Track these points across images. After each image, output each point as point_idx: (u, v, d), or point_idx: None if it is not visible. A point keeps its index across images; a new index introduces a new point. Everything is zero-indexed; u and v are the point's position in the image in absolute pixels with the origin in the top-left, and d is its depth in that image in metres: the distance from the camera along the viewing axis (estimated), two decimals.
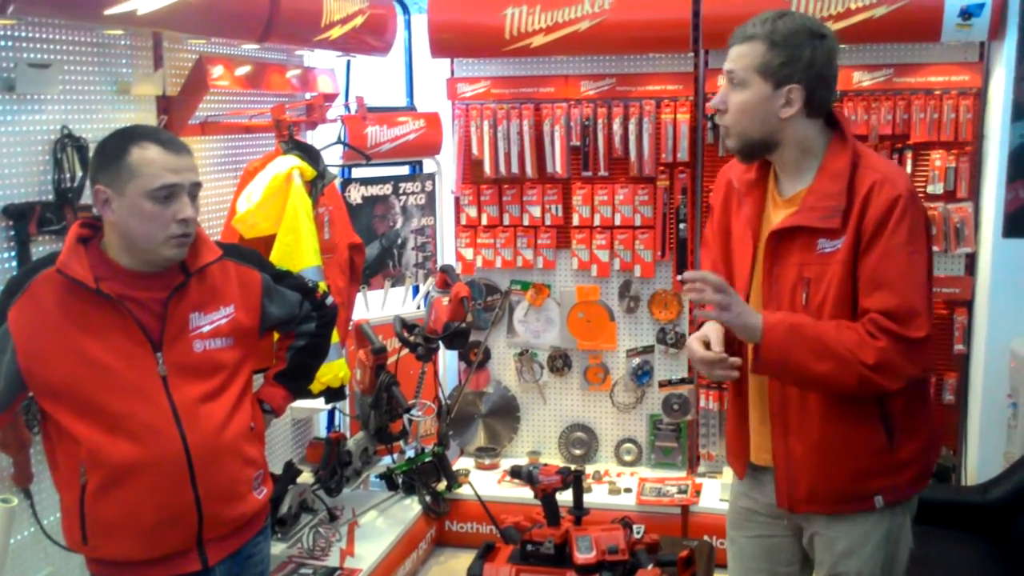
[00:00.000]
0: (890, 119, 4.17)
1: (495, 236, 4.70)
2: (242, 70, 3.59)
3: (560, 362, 4.80)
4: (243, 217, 3.38)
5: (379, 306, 4.67)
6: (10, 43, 2.66)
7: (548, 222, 4.65)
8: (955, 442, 4.33)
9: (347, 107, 4.47)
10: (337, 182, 4.04)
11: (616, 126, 4.45)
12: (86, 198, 2.45)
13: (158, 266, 2.22)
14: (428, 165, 4.88)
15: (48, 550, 2.73)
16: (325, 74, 4.34)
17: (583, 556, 3.59)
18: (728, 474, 4.49)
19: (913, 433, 2.30)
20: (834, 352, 2.12)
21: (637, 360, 4.68)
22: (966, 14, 3.90)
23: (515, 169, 4.58)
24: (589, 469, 4.67)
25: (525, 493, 4.06)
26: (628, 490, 4.46)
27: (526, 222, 4.67)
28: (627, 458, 4.79)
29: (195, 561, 2.27)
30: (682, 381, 4.60)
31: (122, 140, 2.16)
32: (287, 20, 3.45)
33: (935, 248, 4.17)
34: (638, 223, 4.53)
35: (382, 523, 4.20)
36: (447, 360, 5.02)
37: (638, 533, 3.88)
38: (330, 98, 4.30)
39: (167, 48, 3.34)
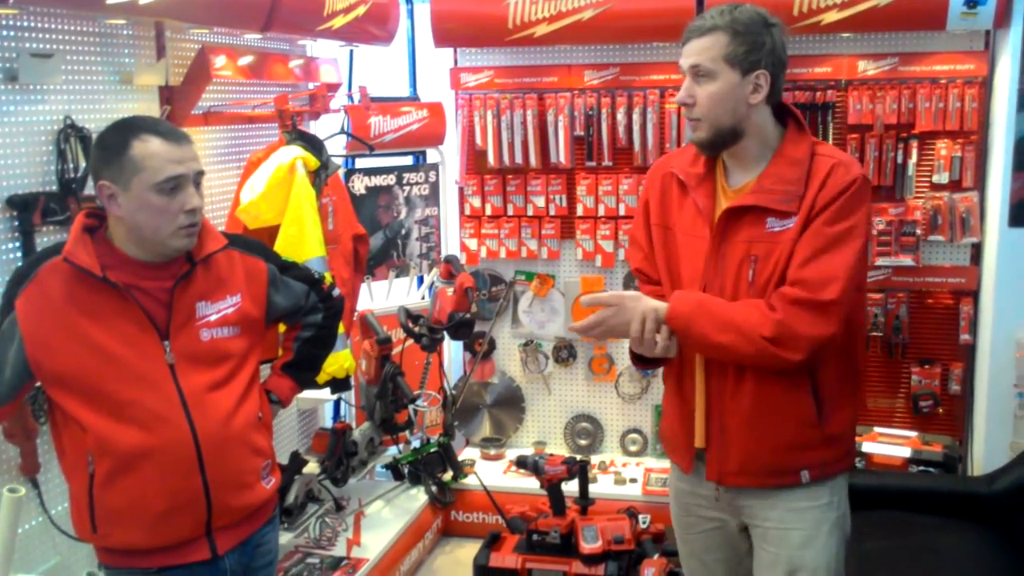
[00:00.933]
0: (895, 108, 4.15)
1: (499, 226, 4.69)
2: (245, 60, 3.58)
3: (565, 352, 4.79)
4: (247, 208, 3.37)
5: (384, 297, 4.67)
6: (12, 33, 2.65)
7: (552, 212, 4.64)
8: (961, 432, 4.32)
9: (350, 97, 4.46)
10: (341, 172, 4.03)
11: (620, 116, 4.44)
12: (90, 188, 2.44)
13: (166, 256, 2.22)
14: (432, 155, 4.87)
15: (56, 539, 2.73)
16: (328, 64, 4.33)
17: (589, 546, 3.60)
18: None
19: (840, 408, 2.33)
20: (735, 325, 2.19)
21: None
22: (971, 2, 3.88)
23: (519, 159, 4.57)
24: (594, 459, 4.67)
25: (531, 483, 4.07)
26: (634, 480, 4.47)
27: (530, 212, 4.67)
28: (632, 448, 4.79)
29: (204, 549, 2.27)
30: None
31: (122, 134, 2.15)
32: (290, 9, 3.44)
33: (940, 237, 4.18)
34: None
35: (388, 513, 4.21)
36: (452, 350, 5.02)
37: (644, 523, 3.90)
38: (333, 88, 4.29)
39: (169, 38, 3.33)
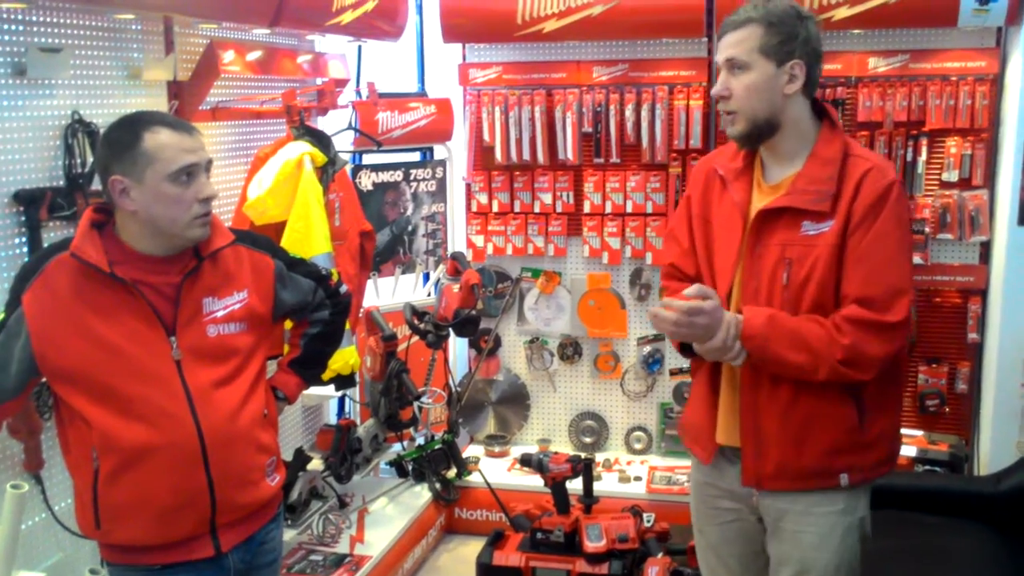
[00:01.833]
0: (905, 105, 4.13)
1: (506, 223, 4.68)
2: (253, 55, 3.57)
3: (570, 350, 4.78)
4: (254, 203, 3.37)
5: (389, 293, 4.66)
6: (21, 27, 2.64)
7: (559, 209, 4.63)
8: (968, 432, 4.31)
9: (358, 93, 4.46)
10: (348, 168, 4.03)
11: (628, 112, 4.42)
12: (96, 184, 2.44)
13: (179, 248, 2.22)
14: (439, 151, 4.86)
15: (59, 536, 2.73)
16: (336, 59, 4.32)
17: (593, 544, 3.59)
18: None
19: (882, 413, 2.34)
20: (809, 345, 2.21)
21: (648, 348, 4.66)
22: None
23: (526, 156, 4.56)
24: (599, 457, 4.65)
25: (535, 481, 4.06)
26: (638, 478, 4.45)
27: (537, 209, 4.65)
28: (637, 446, 4.77)
29: (208, 546, 2.27)
30: None
31: (132, 127, 2.15)
32: (298, 5, 3.43)
33: (949, 236, 4.16)
34: (650, 210, 4.50)
35: (392, 510, 4.21)
36: (457, 347, 5.01)
37: (648, 521, 3.89)
38: (341, 84, 4.28)
39: (178, 33, 3.33)
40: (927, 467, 3.99)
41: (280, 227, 3.38)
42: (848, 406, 2.29)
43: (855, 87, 4.19)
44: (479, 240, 4.73)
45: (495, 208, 4.69)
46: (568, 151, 4.50)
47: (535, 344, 4.81)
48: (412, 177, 4.67)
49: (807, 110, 2.33)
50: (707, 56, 4.36)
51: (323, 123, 4.18)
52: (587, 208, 4.58)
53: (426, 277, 4.91)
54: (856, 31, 4.13)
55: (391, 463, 4.51)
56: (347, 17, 3.82)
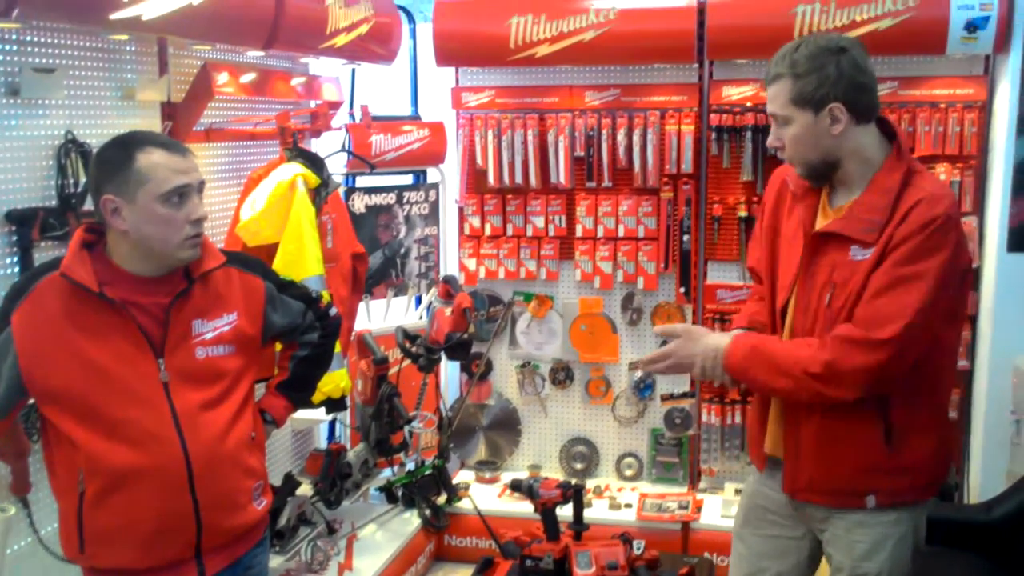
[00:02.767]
0: None
1: (498, 246, 4.68)
2: (247, 77, 3.58)
3: (562, 374, 4.77)
4: (246, 225, 3.36)
5: (381, 316, 4.65)
6: (15, 47, 2.64)
7: (551, 233, 4.63)
8: (959, 459, 4.30)
9: (352, 115, 4.46)
10: (341, 191, 4.02)
11: (620, 137, 4.43)
12: (89, 204, 2.43)
13: (170, 269, 2.22)
14: (432, 174, 4.86)
15: (45, 561, 2.69)
16: (330, 82, 4.33)
17: (582, 572, 3.55)
18: (730, 490, 4.46)
19: (917, 439, 2.35)
20: (786, 370, 2.29)
21: (639, 373, 4.65)
22: (971, 27, 3.89)
23: (519, 179, 4.56)
24: (590, 483, 4.63)
25: (525, 507, 4.03)
26: (628, 505, 4.43)
27: (529, 233, 4.66)
28: (628, 473, 4.76)
29: (193, 570, 2.26)
30: (684, 395, 4.57)
31: (125, 148, 2.16)
32: (292, 27, 3.44)
33: None
34: (642, 234, 4.51)
35: (381, 537, 4.17)
36: (449, 371, 4.99)
37: (638, 549, 3.85)
38: (335, 106, 4.29)
39: (172, 54, 3.33)
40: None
41: (273, 249, 3.37)
42: (875, 426, 2.32)
43: None
44: (471, 263, 4.73)
45: (488, 231, 4.69)
46: (560, 175, 4.51)
47: (527, 368, 4.79)
48: (405, 200, 4.67)
49: (871, 136, 2.33)
50: (698, 82, 4.38)
51: (316, 145, 4.19)
52: (579, 232, 4.59)
53: (418, 300, 4.90)
54: None
55: (381, 489, 4.48)
56: (341, 40, 3.83)
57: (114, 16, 2.53)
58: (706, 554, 3.92)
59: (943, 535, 3.37)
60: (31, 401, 2.20)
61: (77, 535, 2.18)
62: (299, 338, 2.63)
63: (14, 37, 2.64)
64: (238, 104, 3.80)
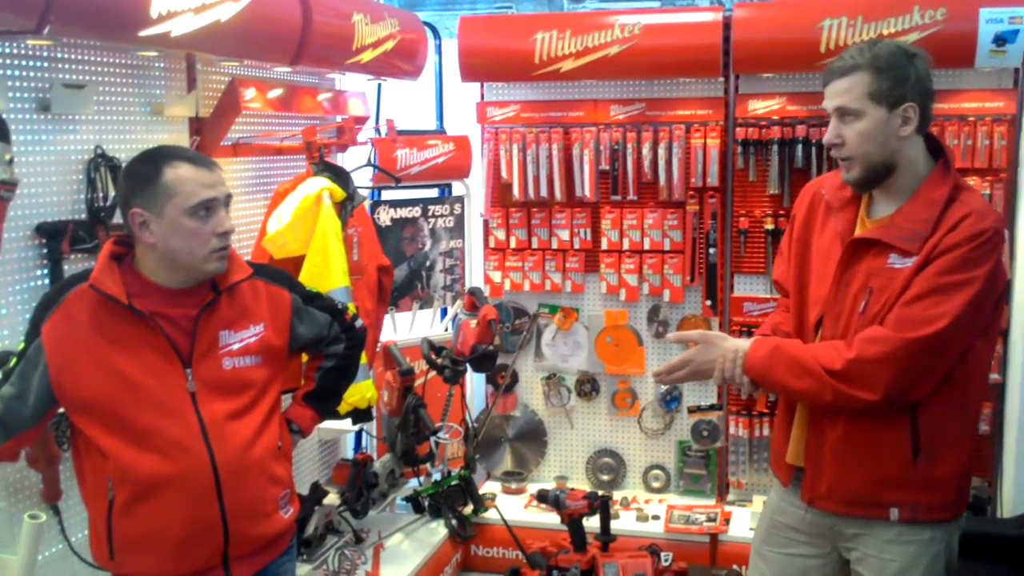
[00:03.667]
0: None
1: (523, 259, 4.70)
2: (274, 93, 3.62)
3: (588, 386, 4.77)
4: (273, 238, 3.40)
5: (407, 328, 4.67)
6: (46, 64, 2.70)
7: (577, 246, 4.64)
8: (990, 473, 4.25)
9: (377, 130, 4.50)
10: (367, 204, 4.06)
11: (645, 150, 4.44)
12: (118, 217, 2.47)
13: (197, 281, 2.25)
14: (457, 188, 4.89)
15: (75, 567, 2.73)
16: (356, 97, 4.37)
17: None
18: (758, 502, 4.44)
19: (945, 455, 2.31)
20: (809, 369, 2.25)
21: (665, 386, 4.64)
22: (1000, 40, 3.86)
23: (544, 193, 4.58)
24: (616, 495, 4.62)
25: (552, 518, 4.04)
26: (656, 517, 4.42)
27: (555, 245, 4.67)
28: (655, 484, 4.74)
29: None
30: (711, 407, 4.48)
31: (153, 162, 2.19)
32: (319, 44, 3.48)
33: None
34: (667, 247, 4.51)
35: (408, 546, 4.18)
36: (474, 383, 5.01)
37: (666, 561, 3.85)
38: (361, 121, 4.32)
39: (200, 70, 3.38)
40: None
41: (299, 261, 3.40)
42: (902, 437, 2.29)
43: None
44: (497, 276, 4.75)
45: (513, 244, 4.71)
46: (585, 188, 4.52)
47: (552, 380, 4.80)
48: (430, 213, 4.70)
49: (922, 149, 2.32)
50: (723, 95, 4.38)
51: (343, 159, 4.22)
52: (604, 245, 4.60)
53: (443, 312, 4.92)
54: None
55: (407, 499, 4.49)
56: (367, 56, 3.87)
57: (143, 33, 2.57)
58: (734, 566, 3.91)
59: (976, 549, 3.35)
60: (61, 410, 2.24)
61: (107, 542, 2.21)
62: (325, 349, 2.65)
63: (45, 54, 2.69)
64: (265, 119, 3.84)
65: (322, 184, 3.51)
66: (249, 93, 3.41)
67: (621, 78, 4.45)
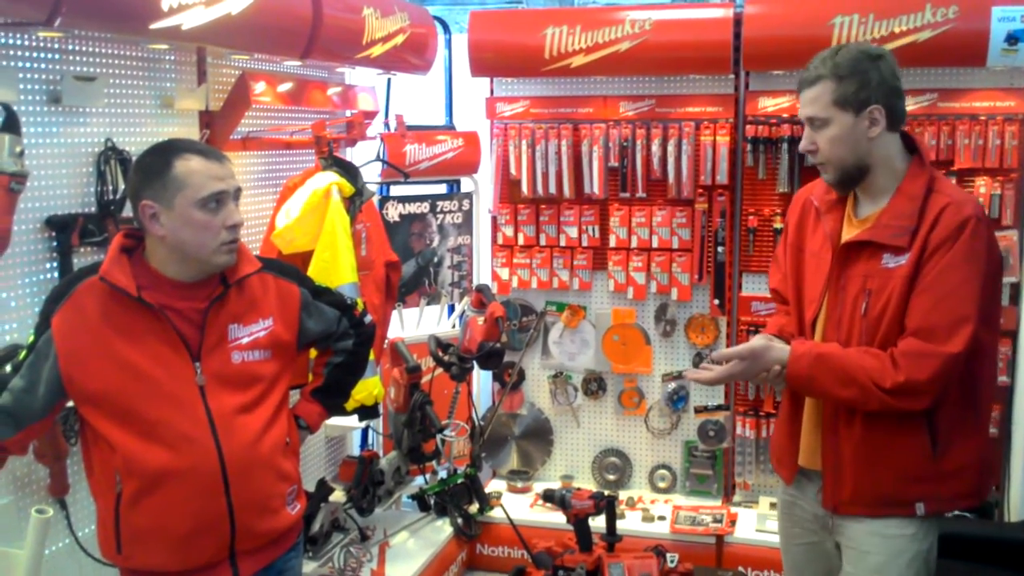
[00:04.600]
0: (934, 144, 4.11)
1: (531, 256, 4.69)
2: (284, 86, 3.61)
3: (595, 385, 4.76)
4: (281, 232, 3.39)
5: (414, 324, 4.66)
6: (57, 56, 2.69)
7: (585, 243, 4.63)
8: (998, 477, 4.23)
9: (387, 125, 4.49)
10: (375, 199, 4.05)
11: (655, 147, 4.43)
12: (128, 210, 2.47)
13: (206, 274, 2.24)
14: (466, 184, 4.88)
15: (82, 562, 2.72)
16: (366, 92, 4.36)
17: None
18: (764, 503, 4.42)
19: (963, 441, 2.37)
20: (855, 379, 2.29)
21: (672, 385, 4.63)
22: (1012, 39, 3.84)
23: (552, 189, 4.57)
24: (622, 495, 4.61)
25: (558, 518, 4.03)
26: (662, 518, 4.41)
27: (563, 243, 4.65)
28: (661, 485, 4.73)
29: (227, 573, 2.28)
30: (718, 407, 4.54)
31: (163, 154, 2.19)
32: (329, 38, 3.47)
33: None
34: (676, 245, 4.50)
35: (413, 544, 4.18)
36: (481, 380, 4.99)
37: (672, 562, 3.84)
38: (370, 115, 4.31)
39: (211, 63, 3.37)
40: (957, 512, 3.91)
41: (307, 256, 3.39)
42: (921, 433, 2.34)
43: None
44: (504, 273, 4.73)
45: (521, 241, 4.70)
46: (594, 185, 4.51)
47: (559, 378, 4.79)
48: (438, 209, 4.69)
49: (897, 145, 2.41)
50: (733, 92, 4.37)
51: (352, 154, 4.21)
52: (613, 242, 4.58)
53: (451, 309, 4.91)
54: None
55: (413, 496, 4.48)
56: (377, 50, 3.86)
57: (154, 26, 2.56)
58: (740, 568, 3.90)
59: (983, 553, 3.34)
60: (69, 404, 2.23)
61: (114, 536, 2.20)
62: (334, 345, 2.64)
63: (56, 46, 2.68)
64: (275, 113, 3.83)
65: (331, 179, 3.49)
66: (259, 87, 3.40)
67: (631, 74, 4.44)
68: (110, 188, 2.83)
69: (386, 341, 4.15)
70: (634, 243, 4.55)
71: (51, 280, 2.66)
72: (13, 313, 2.57)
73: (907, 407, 2.29)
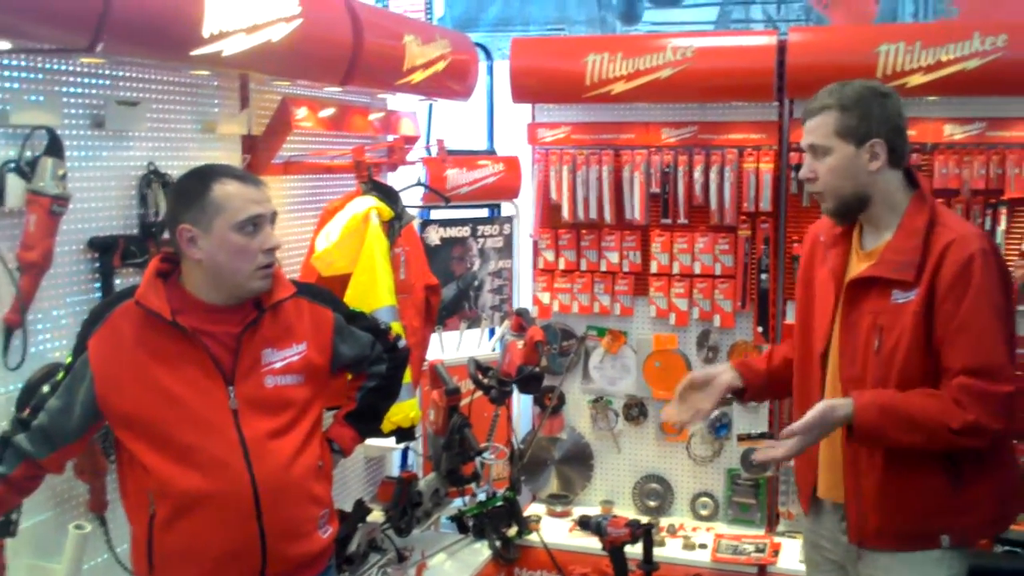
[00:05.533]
0: (983, 173, 4.02)
1: (572, 281, 4.68)
2: (325, 112, 3.65)
3: (636, 411, 4.72)
4: (321, 255, 3.43)
5: (454, 347, 4.67)
6: (101, 81, 2.75)
7: (626, 268, 4.61)
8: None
9: (428, 149, 4.52)
10: (416, 223, 4.07)
11: (697, 174, 4.40)
12: (166, 234, 2.51)
13: (241, 299, 2.27)
14: (506, 208, 4.89)
15: None
16: (407, 117, 4.39)
17: None
18: None
19: (982, 472, 2.39)
20: (922, 425, 2.30)
21: (715, 412, 4.57)
22: None
23: (593, 215, 4.56)
24: (663, 522, 4.55)
25: (596, 543, 3.96)
26: (703, 546, 4.34)
27: (604, 268, 4.64)
28: (703, 512, 4.67)
29: None
30: (761, 435, 4.41)
31: (201, 179, 2.23)
32: (369, 64, 3.50)
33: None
34: (718, 272, 4.46)
35: (451, 566, 4.17)
36: (521, 404, 4.98)
37: None
38: (411, 140, 4.35)
39: (253, 89, 3.42)
40: (1007, 548, 3.82)
41: (346, 279, 3.43)
42: (941, 465, 2.36)
43: (931, 154, 4.09)
44: (545, 297, 4.73)
45: (561, 266, 4.69)
46: (635, 211, 4.49)
47: (599, 403, 4.76)
48: (479, 233, 4.71)
49: (898, 181, 2.45)
50: (777, 120, 4.32)
51: (393, 178, 4.25)
52: (654, 268, 4.55)
53: (491, 332, 4.92)
54: (931, 98, 4.05)
55: (452, 518, 4.47)
56: (418, 77, 3.89)
57: (195, 52, 2.61)
58: None
59: None
60: (105, 424, 2.27)
61: (146, 557, 2.23)
62: (368, 369, 2.66)
63: (100, 71, 2.74)
64: (316, 138, 3.87)
65: (370, 203, 3.53)
66: (301, 112, 3.44)
67: (673, 101, 4.42)
68: (152, 211, 2.88)
69: (425, 363, 4.16)
70: (676, 269, 4.51)
71: (93, 300, 2.70)
72: (56, 332, 2.62)
73: (971, 445, 2.30)
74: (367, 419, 2.73)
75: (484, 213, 4.88)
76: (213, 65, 2.82)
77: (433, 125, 4.79)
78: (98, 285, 2.75)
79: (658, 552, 3.79)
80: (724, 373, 2.77)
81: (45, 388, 2.25)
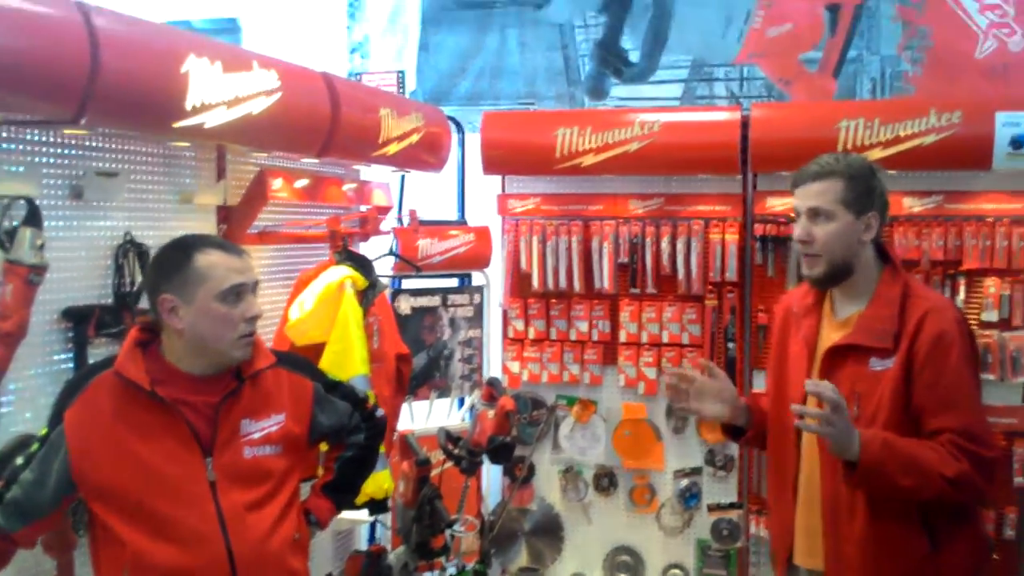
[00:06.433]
0: (942, 244, 4.13)
1: (542, 350, 4.70)
2: (300, 183, 3.68)
3: (606, 481, 4.71)
4: (295, 325, 3.42)
5: (424, 417, 4.65)
6: (80, 152, 2.75)
7: (595, 338, 4.64)
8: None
9: (400, 219, 4.55)
10: (388, 292, 4.08)
11: (664, 244, 4.47)
12: (145, 302, 2.50)
13: (222, 368, 2.26)
14: (477, 278, 4.92)
15: None
16: (380, 188, 4.43)
17: None
18: None
19: (957, 538, 2.42)
20: (919, 469, 2.32)
21: (685, 482, 4.58)
22: (1017, 143, 3.90)
23: (563, 284, 4.61)
24: None
25: None
26: None
27: (573, 337, 4.67)
28: None
29: None
30: (731, 506, 4.49)
31: (184, 249, 2.23)
32: (346, 137, 3.55)
33: (991, 376, 4.07)
34: (686, 341, 4.50)
35: None
36: (491, 474, 4.95)
37: None
38: (384, 211, 4.38)
39: (230, 160, 3.44)
40: None
41: (320, 348, 3.41)
42: (921, 534, 2.39)
43: (890, 226, 4.18)
44: (515, 366, 4.74)
45: (531, 335, 4.72)
46: (604, 281, 4.55)
47: (570, 473, 4.75)
48: (450, 302, 4.72)
49: (873, 253, 2.54)
50: (741, 192, 4.42)
51: (365, 248, 4.26)
52: (623, 337, 4.59)
53: (460, 402, 4.90)
54: (891, 172, 4.14)
55: None
56: (393, 149, 3.94)
57: (178, 124, 2.63)
58: None
59: None
60: (78, 497, 2.23)
61: None
62: (345, 439, 2.64)
63: (79, 142, 2.75)
64: (291, 208, 3.89)
65: (344, 272, 3.53)
66: (276, 183, 3.46)
67: (641, 173, 4.50)
68: (127, 280, 2.87)
69: (396, 434, 4.13)
70: (644, 338, 4.56)
71: (66, 371, 2.67)
72: (28, 403, 2.59)
73: (958, 498, 2.35)
74: (344, 490, 2.72)
75: (454, 283, 4.90)
76: (195, 137, 2.85)
77: (405, 195, 4.83)
78: (71, 355, 2.72)
79: None
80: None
81: (19, 460, 2.21)
